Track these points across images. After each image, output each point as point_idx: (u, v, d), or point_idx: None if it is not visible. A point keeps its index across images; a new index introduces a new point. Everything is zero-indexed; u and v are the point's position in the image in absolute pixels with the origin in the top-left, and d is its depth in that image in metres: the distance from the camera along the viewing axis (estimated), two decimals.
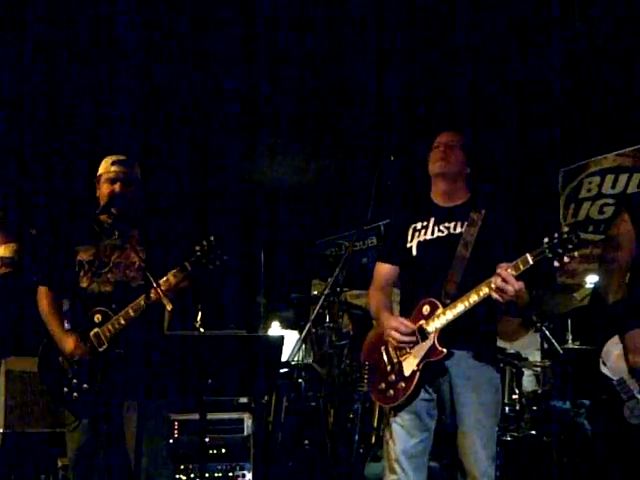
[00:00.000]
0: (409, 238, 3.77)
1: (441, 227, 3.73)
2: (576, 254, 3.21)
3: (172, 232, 4.23)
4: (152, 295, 3.74)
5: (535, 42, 6.83)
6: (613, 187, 6.77)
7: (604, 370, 3.75)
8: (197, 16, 7.16)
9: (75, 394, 3.92)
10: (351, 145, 8.45)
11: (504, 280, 3.28)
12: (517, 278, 3.29)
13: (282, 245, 8.92)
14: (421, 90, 7.53)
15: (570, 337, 5.56)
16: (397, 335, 3.56)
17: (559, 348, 5.40)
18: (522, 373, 5.39)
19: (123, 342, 3.88)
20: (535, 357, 5.59)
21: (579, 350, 5.52)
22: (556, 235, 3.22)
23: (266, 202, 9.01)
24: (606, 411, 4.03)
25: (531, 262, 3.26)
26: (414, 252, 3.74)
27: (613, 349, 3.73)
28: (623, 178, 6.70)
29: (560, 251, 3.20)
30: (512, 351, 5.52)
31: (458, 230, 3.68)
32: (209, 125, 8.26)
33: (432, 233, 3.73)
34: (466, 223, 3.66)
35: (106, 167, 4.10)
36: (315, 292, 6.70)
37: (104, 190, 4.08)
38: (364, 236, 8.68)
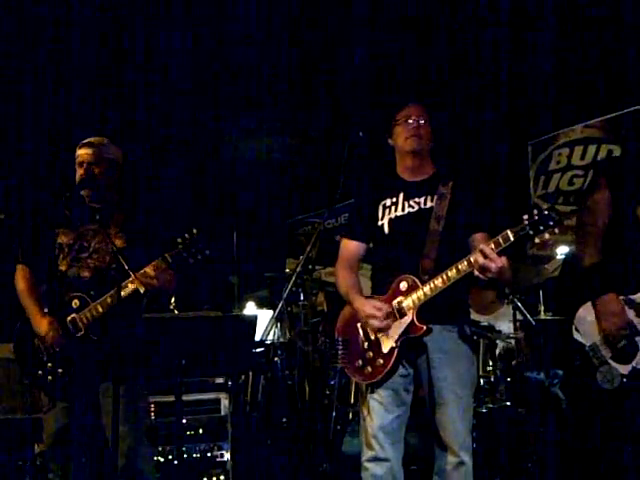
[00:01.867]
0: (379, 215, 3.75)
1: (411, 202, 3.71)
2: (556, 230, 3.23)
3: (153, 217, 4.17)
4: (130, 285, 3.73)
5: (504, 15, 6.83)
6: (582, 158, 6.81)
7: (577, 336, 3.81)
8: None
9: (50, 377, 3.89)
10: (323, 123, 8.43)
11: (487, 257, 3.27)
12: (499, 254, 3.28)
13: (255, 224, 8.89)
14: (389, 63, 7.51)
15: (542, 308, 5.61)
16: (376, 322, 3.56)
17: (531, 319, 5.45)
18: (496, 345, 5.45)
19: (100, 329, 3.85)
20: (508, 329, 5.64)
21: (551, 321, 5.58)
22: (536, 212, 3.23)
23: (238, 180, 8.98)
24: (579, 377, 4.06)
25: (512, 238, 3.26)
26: (386, 229, 3.72)
27: (586, 315, 3.78)
28: (592, 149, 6.74)
29: (541, 228, 3.22)
30: (485, 323, 5.57)
31: (429, 204, 3.67)
32: (183, 103, 8.20)
33: (403, 209, 3.71)
34: (436, 197, 3.66)
35: (76, 151, 4.07)
36: (289, 270, 6.69)
37: (77, 174, 4.04)
38: (337, 213, 8.68)
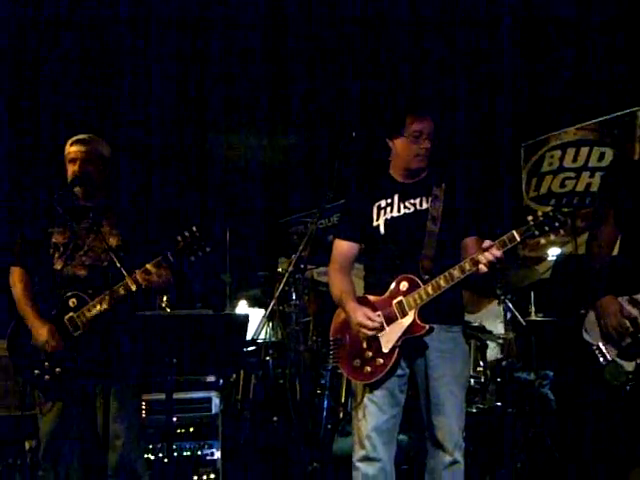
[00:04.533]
0: (374, 216, 3.75)
1: (406, 203, 3.72)
2: (562, 231, 3.30)
3: (149, 215, 4.17)
4: (121, 290, 3.75)
5: (496, 15, 6.85)
6: (574, 160, 6.83)
7: (586, 337, 3.86)
8: None
9: (47, 377, 3.88)
10: (317, 122, 8.43)
11: (492, 254, 3.33)
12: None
13: (248, 223, 8.90)
14: (383, 67, 7.53)
15: (533, 309, 5.64)
16: (365, 331, 3.57)
17: (522, 320, 5.47)
18: (486, 345, 5.47)
19: (98, 327, 3.85)
20: (499, 329, 5.66)
21: (542, 322, 5.61)
22: (541, 213, 3.30)
23: (232, 179, 8.98)
24: (588, 375, 4.15)
25: (518, 239, 3.32)
26: (382, 230, 3.72)
27: (594, 318, 3.83)
28: (584, 151, 6.77)
29: (546, 229, 3.29)
30: (476, 324, 5.60)
31: (424, 206, 3.69)
32: (176, 102, 8.20)
33: (398, 210, 3.72)
34: (430, 198, 3.68)
35: (66, 148, 4.06)
36: (280, 270, 6.69)
37: (68, 172, 4.04)
38: (330, 213, 8.68)
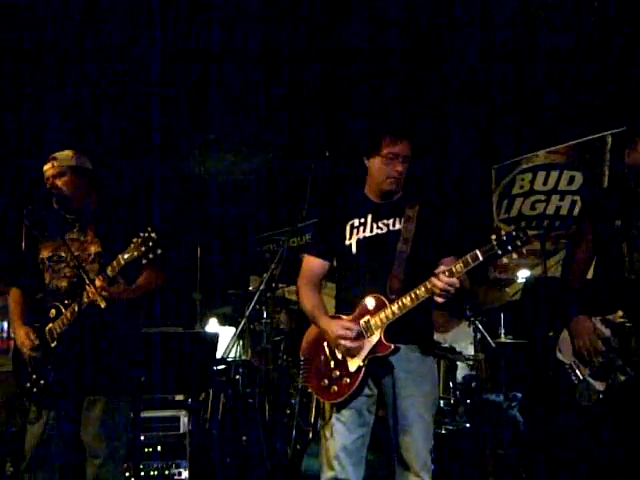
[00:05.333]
0: (347, 235, 3.76)
1: (379, 224, 3.73)
2: (524, 251, 3.32)
3: (127, 223, 4.17)
4: (85, 299, 3.75)
5: (471, 39, 6.92)
6: (545, 184, 6.91)
7: (559, 356, 3.90)
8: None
9: (35, 389, 3.93)
10: (289, 141, 8.45)
11: (444, 281, 3.34)
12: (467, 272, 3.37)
13: (219, 241, 8.88)
14: (358, 85, 7.56)
15: (502, 331, 5.66)
16: (347, 343, 3.55)
17: (492, 342, 5.49)
18: (456, 366, 5.47)
19: (71, 339, 3.85)
20: (469, 350, 5.68)
21: (511, 344, 5.63)
22: (504, 232, 3.33)
23: (203, 197, 8.96)
24: (557, 392, 4.19)
25: (481, 258, 3.34)
26: (354, 249, 3.73)
27: (568, 337, 3.87)
28: (554, 175, 6.84)
29: (509, 248, 3.31)
30: (446, 345, 5.60)
31: (397, 226, 3.70)
32: (149, 118, 8.18)
33: (371, 230, 3.73)
34: (403, 219, 3.70)
35: (43, 169, 4.12)
36: (252, 288, 6.68)
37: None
38: (302, 232, 8.70)
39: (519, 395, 5.59)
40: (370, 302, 3.59)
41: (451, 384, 5.40)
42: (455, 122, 7.19)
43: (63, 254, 4.02)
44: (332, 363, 3.64)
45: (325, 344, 3.69)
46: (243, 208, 9.19)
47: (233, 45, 7.48)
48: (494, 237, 3.33)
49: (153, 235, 3.67)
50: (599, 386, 3.72)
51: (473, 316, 5.44)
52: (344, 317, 3.67)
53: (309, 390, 5.35)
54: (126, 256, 3.70)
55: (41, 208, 4.03)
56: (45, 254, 4.07)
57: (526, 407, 5.55)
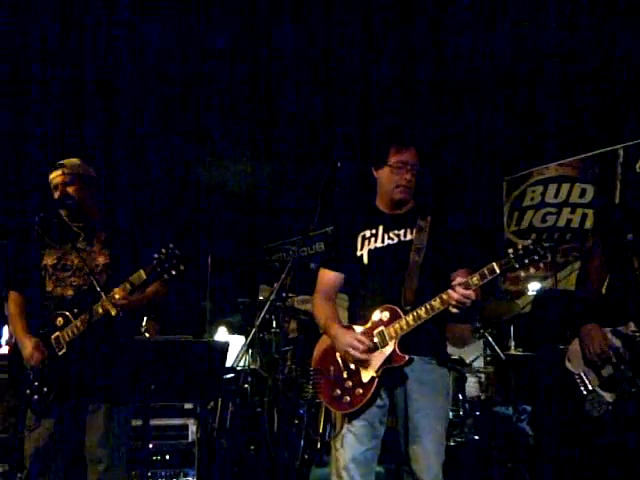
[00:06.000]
0: (359, 246, 3.75)
1: (391, 234, 3.72)
2: (541, 265, 3.31)
3: (136, 235, 4.18)
4: (100, 309, 3.75)
5: (483, 52, 6.93)
6: (556, 196, 6.89)
7: (568, 366, 3.89)
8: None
9: (36, 396, 3.89)
10: (300, 151, 8.46)
11: (461, 293, 3.34)
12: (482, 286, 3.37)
13: (229, 250, 8.88)
14: (369, 97, 7.58)
15: (512, 343, 5.64)
16: (356, 353, 3.54)
17: (502, 354, 5.48)
18: (466, 379, 5.46)
19: (81, 347, 3.84)
20: (478, 363, 5.66)
21: (521, 356, 5.62)
22: (521, 246, 3.32)
23: (214, 206, 8.98)
24: (569, 404, 4.18)
25: (498, 271, 3.33)
26: (365, 260, 3.72)
27: (577, 346, 3.86)
28: (566, 187, 6.83)
29: (526, 261, 3.30)
30: (456, 357, 5.59)
31: (408, 237, 3.69)
32: (164, 129, 8.22)
33: (382, 241, 3.72)
34: (415, 230, 3.69)
35: (49, 176, 4.12)
36: (262, 297, 6.67)
37: (55, 197, 4.09)
38: (312, 242, 8.70)
39: (528, 408, 5.57)
40: (384, 313, 3.57)
41: (460, 396, 5.38)
42: (467, 134, 7.18)
43: (69, 263, 4.01)
44: (345, 373, 3.62)
45: (337, 354, 3.67)
46: (253, 217, 9.20)
47: (242, 52, 7.52)
48: (511, 250, 3.32)
49: (177, 252, 3.67)
50: (608, 397, 3.71)
51: (483, 328, 5.42)
52: (358, 327, 3.66)
53: (318, 400, 5.37)
54: (148, 271, 3.70)
55: (52, 215, 4.04)
56: (49, 261, 4.04)
57: (535, 420, 5.53)
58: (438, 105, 7.23)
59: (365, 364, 3.55)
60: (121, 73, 7.55)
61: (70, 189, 4.03)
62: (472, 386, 5.64)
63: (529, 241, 3.34)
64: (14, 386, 4.09)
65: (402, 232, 3.72)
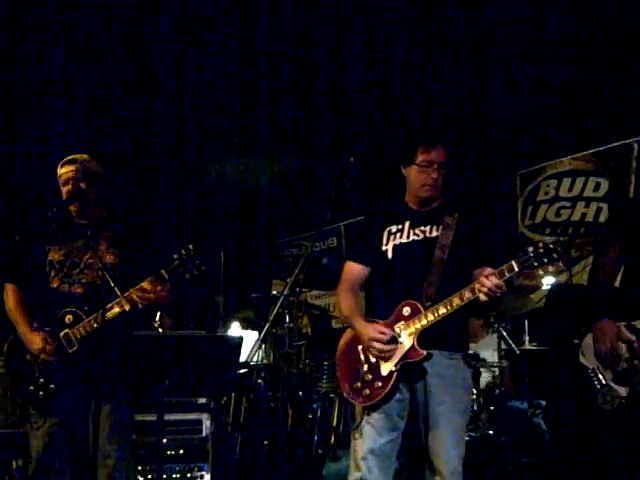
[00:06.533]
0: (384, 241, 3.78)
1: (416, 231, 3.75)
2: (560, 264, 3.33)
3: (145, 233, 4.18)
4: (116, 307, 3.74)
5: (493, 45, 6.90)
6: (570, 190, 6.86)
7: (582, 360, 3.89)
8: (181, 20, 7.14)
9: (41, 393, 3.86)
10: (313, 146, 8.46)
11: (492, 283, 3.38)
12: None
13: (242, 245, 8.89)
14: (383, 92, 7.57)
15: (527, 338, 5.63)
16: (379, 345, 3.58)
17: (516, 349, 5.46)
18: (480, 373, 5.45)
19: (92, 344, 3.83)
20: (493, 357, 5.65)
21: (536, 351, 5.60)
22: (541, 245, 3.35)
23: (227, 202, 8.99)
24: (580, 398, 4.19)
25: (517, 269, 3.37)
26: (390, 255, 3.75)
27: (591, 341, 3.86)
28: (580, 181, 6.80)
29: (545, 260, 3.34)
30: (471, 351, 5.57)
31: (434, 234, 3.72)
32: (176, 125, 8.23)
33: (408, 237, 3.75)
34: (441, 227, 3.72)
35: (58, 171, 4.09)
36: (275, 292, 6.68)
37: (63, 192, 4.06)
38: (324, 237, 8.70)
39: (543, 403, 5.55)
40: (405, 308, 3.61)
41: (474, 391, 5.36)
42: (481, 128, 7.16)
43: (77, 259, 3.97)
44: (365, 366, 3.66)
45: (359, 347, 3.71)
46: (266, 212, 9.20)
47: (262, 51, 7.53)
48: (531, 249, 3.35)
49: (197, 253, 3.68)
50: (622, 391, 3.70)
51: (497, 322, 5.41)
52: (380, 322, 3.68)
53: (332, 395, 5.38)
54: (169, 271, 3.71)
55: (65, 212, 4.02)
56: (55, 257, 3.99)
57: (550, 415, 5.51)
58: (452, 101, 7.21)
59: (386, 358, 3.59)
60: (134, 71, 7.56)
61: (83, 184, 4.01)
62: (487, 380, 5.62)
63: (549, 239, 3.36)
64: (12, 383, 4.05)
65: (428, 228, 3.75)
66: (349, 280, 3.88)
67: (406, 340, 3.57)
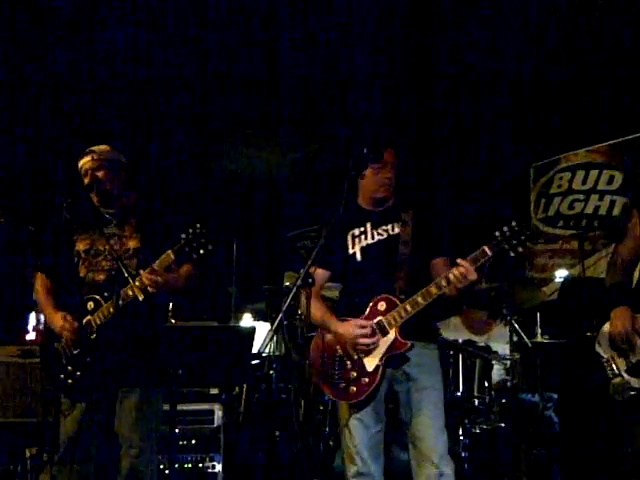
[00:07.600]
0: (349, 245, 3.94)
1: (379, 230, 3.91)
2: (529, 245, 3.39)
3: (167, 219, 4.21)
4: (129, 292, 3.78)
5: (506, 37, 6.87)
6: (584, 183, 6.84)
7: (598, 349, 3.91)
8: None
9: (70, 380, 3.95)
10: (326, 138, 8.45)
11: (465, 271, 3.47)
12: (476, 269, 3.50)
13: (255, 236, 8.89)
14: (392, 83, 7.55)
15: (539, 331, 5.62)
16: (365, 340, 3.68)
17: (528, 341, 5.45)
18: (492, 366, 5.43)
19: (112, 331, 3.87)
20: (504, 350, 5.63)
21: (548, 344, 5.59)
22: (506, 227, 3.45)
23: (240, 193, 8.98)
24: (592, 391, 4.20)
25: (489, 253, 3.48)
26: (359, 257, 3.90)
27: (607, 329, 3.88)
28: (594, 174, 6.78)
29: (514, 242, 3.44)
30: (482, 344, 5.57)
31: (396, 230, 3.89)
32: (188, 116, 8.24)
33: (372, 237, 3.92)
34: (400, 224, 3.88)
35: (79, 163, 4.15)
36: (287, 283, 6.68)
37: (85, 184, 4.12)
38: None
39: (555, 396, 5.55)
40: (380, 303, 3.74)
41: (486, 383, 5.36)
42: (494, 120, 7.13)
43: (101, 247, 4.04)
44: (348, 364, 3.75)
45: (338, 348, 3.79)
46: (279, 204, 9.20)
47: (271, 42, 7.52)
48: (498, 233, 3.46)
49: (205, 231, 3.70)
50: (635, 382, 3.72)
51: (509, 315, 5.40)
52: (353, 319, 3.78)
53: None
54: (176, 250, 3.72)
55: (81, 201, 4.07)
56: (81, 247, 4.09)
57: (562, 408, 5.51)
58: (466, 91, 7.19)
59: (371, 352, 3.68)
60: (147, 63, 7.56)
61: (100, 174, 4.07)
62: (498, 373, 5.61)
63: (513, 222, 3.42)
64: (46, 371, 4.12)
65: (390, 227, 3.91)
66: (318, 286, 3.96)
67: (388, 333, 3.68)
